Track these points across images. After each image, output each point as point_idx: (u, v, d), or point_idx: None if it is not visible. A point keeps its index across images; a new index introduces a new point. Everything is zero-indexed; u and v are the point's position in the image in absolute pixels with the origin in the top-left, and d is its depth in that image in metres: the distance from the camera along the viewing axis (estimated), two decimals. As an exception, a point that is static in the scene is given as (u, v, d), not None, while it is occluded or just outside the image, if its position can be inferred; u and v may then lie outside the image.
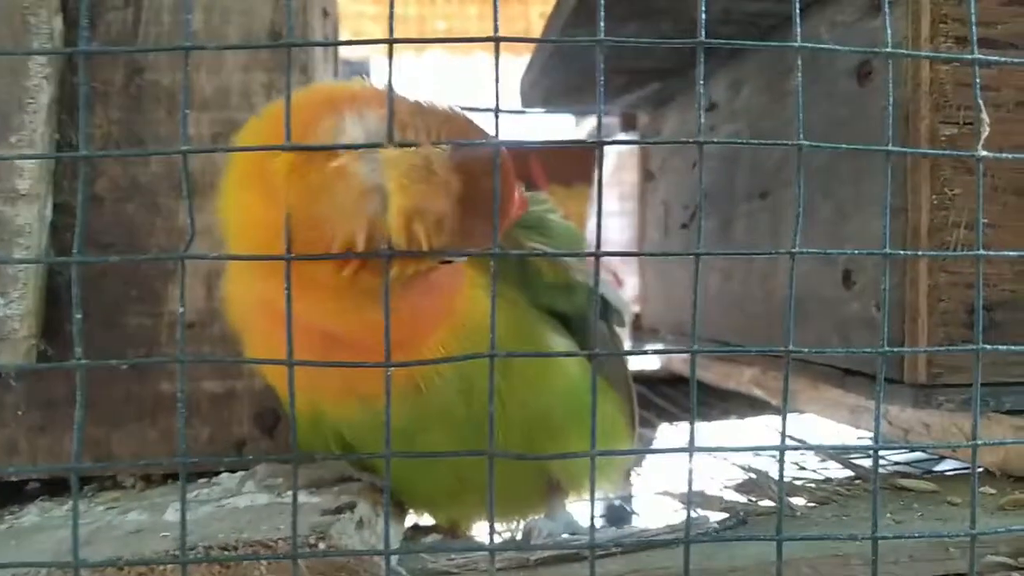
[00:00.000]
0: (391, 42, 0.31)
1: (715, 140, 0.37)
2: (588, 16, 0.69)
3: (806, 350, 0.33)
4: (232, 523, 0.39)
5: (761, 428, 0.89)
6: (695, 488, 0.50)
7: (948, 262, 0.48)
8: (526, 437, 0.41)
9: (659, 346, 1.01)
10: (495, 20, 0.30)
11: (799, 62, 0.32)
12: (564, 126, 1.75)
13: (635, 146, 1.14)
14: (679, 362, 1.00)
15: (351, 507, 0.40)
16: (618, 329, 0.58)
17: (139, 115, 0.48)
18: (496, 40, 0.30)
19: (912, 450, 0.48)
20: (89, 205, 0.47)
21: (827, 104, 0.59)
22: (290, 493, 0.43)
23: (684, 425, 0.96)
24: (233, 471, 0.48)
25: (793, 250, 0.33)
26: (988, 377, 0.48)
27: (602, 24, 0.32)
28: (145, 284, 0.48)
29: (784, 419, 0.33)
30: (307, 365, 0.37)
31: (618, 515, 0.79)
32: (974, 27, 0.34)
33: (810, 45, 0.33)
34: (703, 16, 0.32)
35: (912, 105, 0.49)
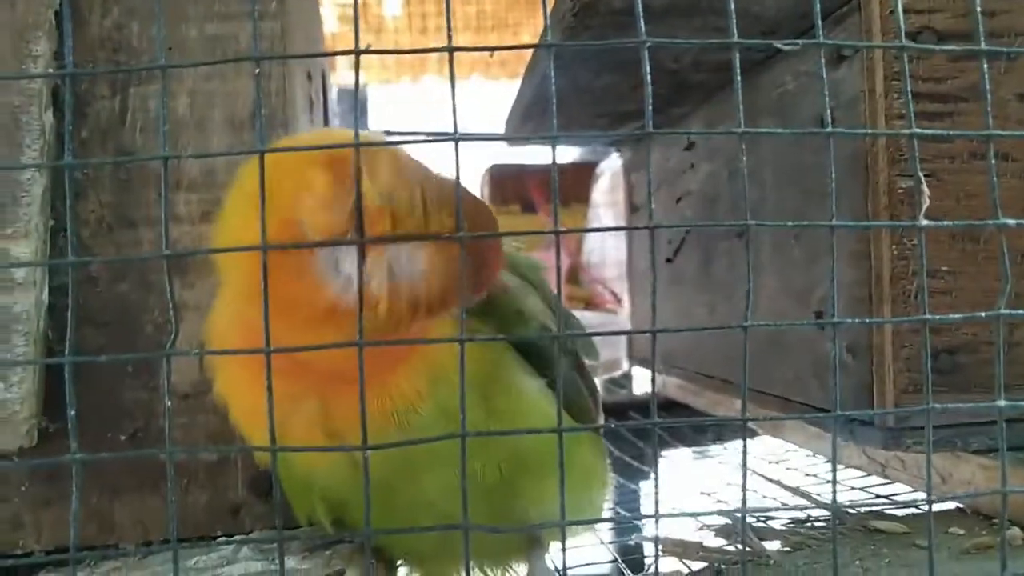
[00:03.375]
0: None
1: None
2: (563, 67, 0.71)
3: (761, 418, 0.35)
4: (227, 594, 0.41)
5: (754, 450, 0.91)
6: (675, 534, 0.52)
7: (910, 308, 0.49)
8: (504, 477, 0.42)
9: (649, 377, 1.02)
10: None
11: (743, 147, 0.34)
12: (562, 148, 1.77)
13: (623, 172, 1.16)
14: (673, 388, 1.01)
15: (340, 574, 0.42)
16: (590, 362, 0.58)
17: (129, 197, 0.50)
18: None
19: (873, 507, 0.50)
20: (85, 286, 0.49)
21: (794, 150, 0.61)
22: (285, 558, 0.46)
23: (675, 454, 0.97)
24: (229, 535, 0.50)
25: (745, 323, 0.35)
26: (955, 418, 0.50)
27: (555, 121, 0.34)
28: (141, 358, 0.50)
29: (744, 484, 0.35)
30: (291, 451, 0.39)
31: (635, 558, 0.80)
32: (911, 104, 0.36)
33: (752, 130, 0.35)
34: (650, 108, 0.34)
35: (871, 158, 0.51)
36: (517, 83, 0.97)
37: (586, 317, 1.50)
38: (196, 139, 0.50)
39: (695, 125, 0.83)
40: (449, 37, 0.33)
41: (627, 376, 1.31)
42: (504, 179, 1.81)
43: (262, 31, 0.50)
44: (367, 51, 0.34)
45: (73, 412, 0.32)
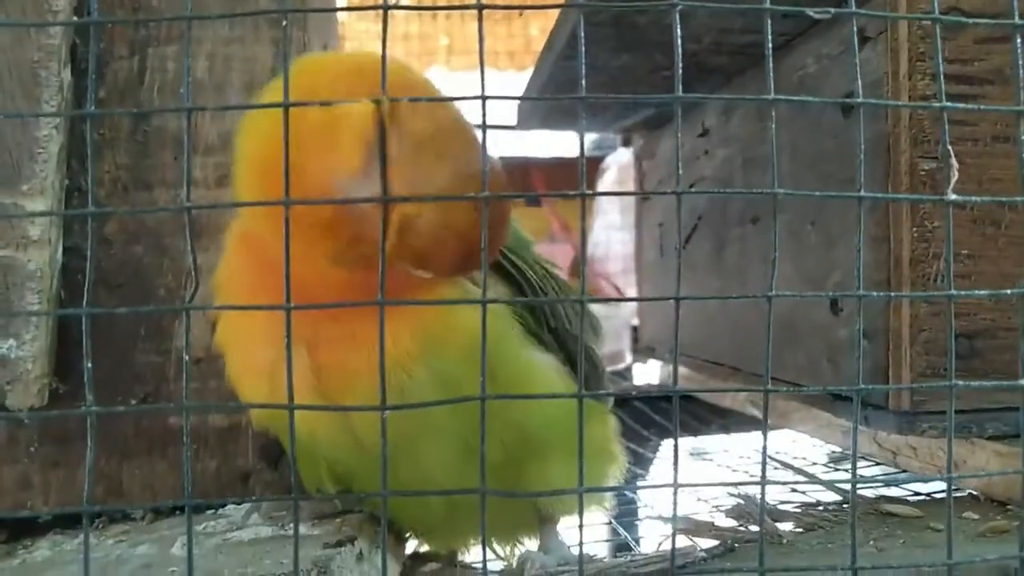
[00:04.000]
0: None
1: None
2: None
3: (784, 389, 0.34)
4: (237, 558, 0.40)
5: (756, 443, 0.91)
6: (687, 513, 0.52)
7: (930, 291, 0.49)
8: (510, 455, 0.41)
9: (658, 366, 1.02)
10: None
11: (773, 113, 0.34)
12: (569, 139, 1.77)
13: (633, 164, 1.16)
14: (680, 379, 1.01)
15: (351, 540, 0.41)
16: (594, 339, 0.57)
17: (146, 160, 0.50)
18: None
19: (890, 484, 0.49)
20: (99, 247, 0.49)
21: (814, 135, 0.61)
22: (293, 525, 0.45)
23: (683, 442, 0.97)
24: (239, 502, 0.50)
25: (770, 293, 0.34)
26: (971, 404, 0.49)
27: (583, 82, 0.33)
28: (153, 322, 0.49)
29: (764, 456, 0.35)
30: (308, 409, 0.39)
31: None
32: (942, 77, 0.35)
33: (783, 97, 0.35)
34: (679, 72, 0.33)
35: (893, 139, 0.51)
36: (525, 76, 0.97)
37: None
38: (215, 102, 0.50)
39: (713, 111, 0.82)
40: (479, -8, 0.32)
41: (629, 369, 1.31)
42: (509, 171, 1.80)
43: (284, -6, 0.49)
44: (395, 7, 0.33)
45: (90, 364, 0.32)
